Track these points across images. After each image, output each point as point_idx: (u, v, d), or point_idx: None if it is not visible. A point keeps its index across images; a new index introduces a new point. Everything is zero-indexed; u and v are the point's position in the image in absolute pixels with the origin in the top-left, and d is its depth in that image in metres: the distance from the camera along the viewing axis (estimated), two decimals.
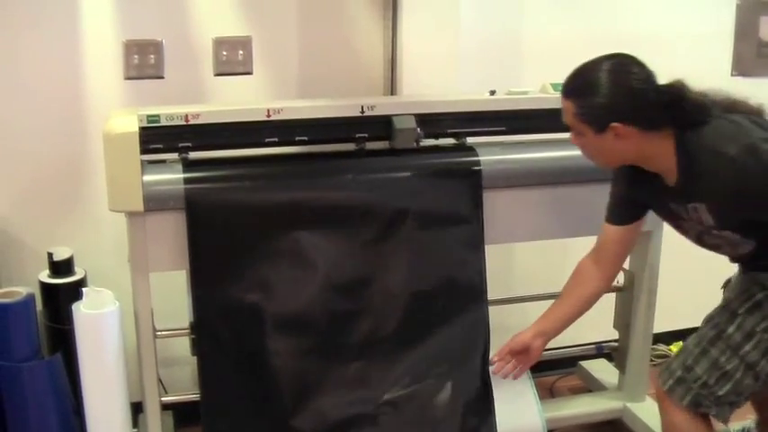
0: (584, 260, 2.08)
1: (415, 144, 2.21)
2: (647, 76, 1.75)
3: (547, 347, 2.84)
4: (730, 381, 1.85)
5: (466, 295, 2.26)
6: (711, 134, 1.72)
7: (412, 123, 2.18)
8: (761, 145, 1.66)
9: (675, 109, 1.72)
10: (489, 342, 2.26)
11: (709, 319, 1.93)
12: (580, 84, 1.79)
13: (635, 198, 1.97)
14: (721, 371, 1.85)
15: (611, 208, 2.02)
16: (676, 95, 1.73)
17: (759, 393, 2.00)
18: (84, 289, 2.06)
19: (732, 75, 3.04)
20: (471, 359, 2.26)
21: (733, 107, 1.79)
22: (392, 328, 2.20)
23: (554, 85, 2.34)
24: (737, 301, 1.88)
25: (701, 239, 1.89)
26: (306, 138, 2.16)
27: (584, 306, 2.09)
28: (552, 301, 2.82)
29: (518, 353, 2.11)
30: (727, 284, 1.99)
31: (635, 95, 1.73)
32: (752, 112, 1.78)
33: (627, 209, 1.99)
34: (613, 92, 1.73)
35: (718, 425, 1.98)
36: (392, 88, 2.60)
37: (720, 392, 1.85)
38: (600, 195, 2.33)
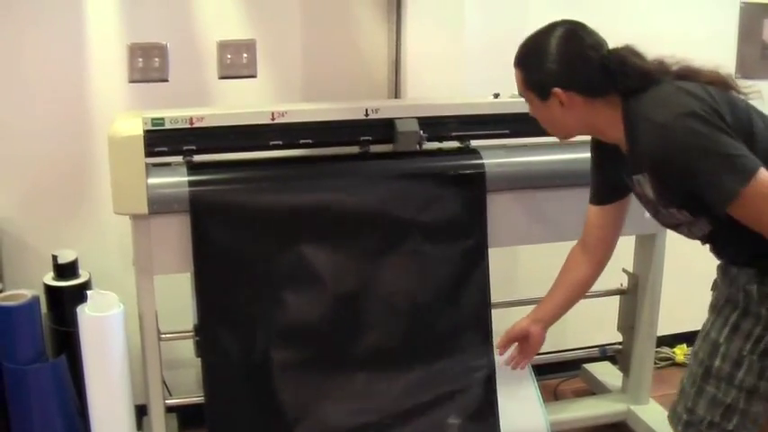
0: (573, 247, 2.04)
1: (417, 147, 2.21)
2: (597, 42, 1.70)
3: (551, 350, 2.85)
4: (736, 413, 1.74)
5: (470, 305, 2.26)
6: (649, 100, 1.63)
7: (415, 126, 2.18)
8: (694, 114, 1.55)
9: (617, 74, 1.66)
10: (494, 355, 2.27)
11: (694, 354, 1.83)
12: (528, 51, 1.75)
13: (607, 174, 1.89)
14: (723, 406, 1.75)
15: (591, 188, 1.95)
16: (619, 61, 1.67)
17: None
18: (88, 291, 2.06)
19: (735, 77, 3.02)
20: (476, 372, 2.26)
21: (691, 75, 1.70)
22: (396, 339, 2.20)
23: None
24: (714, 328, 1.77)
25: (658, 217, 1.79)
26: (310, 141, 2.16)
27: (576, 292, 2.04)
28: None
29: (518, 341, 2.09)
30: (715, 286, 1.86)
31: (581, 61, 1.68)
32: (714, 82, 1.69)
33: (603, 187, 1.92)
34: (559, 58, 1.68)
35: None
36: (396, 91, 2.61)
37: (730, 427, 1.75)
38: None
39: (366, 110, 2.17)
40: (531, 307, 2.79)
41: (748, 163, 1.53)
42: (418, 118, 2.20)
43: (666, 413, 1.89)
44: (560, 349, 2.88)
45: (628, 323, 2.62)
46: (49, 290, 2.27)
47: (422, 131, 2.18)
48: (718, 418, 1.76)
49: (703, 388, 1.78)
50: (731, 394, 1.74)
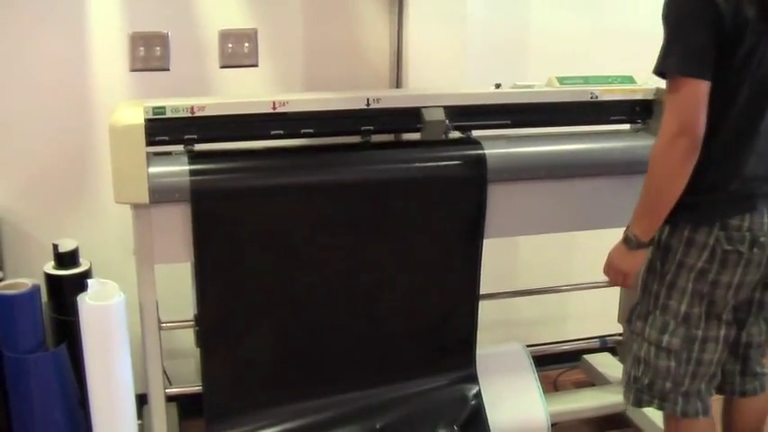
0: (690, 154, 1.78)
1: (444, 136, 2.21)
2: None
3: (550, 341, 2.85)
4: (649, 367, 1.80)
5: (459, 295, 2.28)
6: None
7: (441, 116, 2.18)
8: None
9: None
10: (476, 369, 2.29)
11: None
12: None
13: None
14: (639, 361, 1.82)
15: None
16: None
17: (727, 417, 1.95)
18: (89, 280, 2.06)
19: None
20: (462, 378, 2.28)
21: None
22: (390, 334, 2.24)
23: (560, 79, 2.34)
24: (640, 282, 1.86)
25: None
26: (311, 130, 2.16)
27: None
28: (553, 295, 2.84)
29: None
30: None
31: None
32: None
33: None
34: None
35: None
36: (398, 81, 2.60)
37: (646, 381, 1.81)
38: (604, 189, 2.33)
39: (367, 100, 2.16)
40: (531, 298, 2.80)
41: (701, 68, 1.57)
42: (420, 107, 2.19)
43: None
44: (560, 340, 2.88)
45: (628, 314, 2.61)
46: (50, 279, 2.27)
47: (447, 120, 2.18)
48: (639, 372, 1.85)
49: (631, 346, 1.90)
50: (643, 348, 1.85)
